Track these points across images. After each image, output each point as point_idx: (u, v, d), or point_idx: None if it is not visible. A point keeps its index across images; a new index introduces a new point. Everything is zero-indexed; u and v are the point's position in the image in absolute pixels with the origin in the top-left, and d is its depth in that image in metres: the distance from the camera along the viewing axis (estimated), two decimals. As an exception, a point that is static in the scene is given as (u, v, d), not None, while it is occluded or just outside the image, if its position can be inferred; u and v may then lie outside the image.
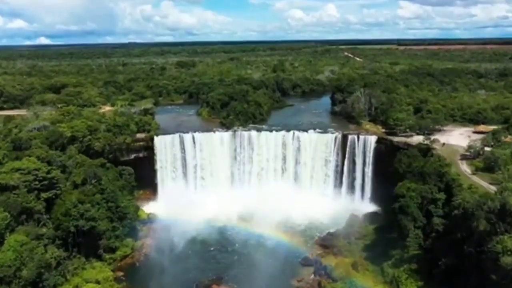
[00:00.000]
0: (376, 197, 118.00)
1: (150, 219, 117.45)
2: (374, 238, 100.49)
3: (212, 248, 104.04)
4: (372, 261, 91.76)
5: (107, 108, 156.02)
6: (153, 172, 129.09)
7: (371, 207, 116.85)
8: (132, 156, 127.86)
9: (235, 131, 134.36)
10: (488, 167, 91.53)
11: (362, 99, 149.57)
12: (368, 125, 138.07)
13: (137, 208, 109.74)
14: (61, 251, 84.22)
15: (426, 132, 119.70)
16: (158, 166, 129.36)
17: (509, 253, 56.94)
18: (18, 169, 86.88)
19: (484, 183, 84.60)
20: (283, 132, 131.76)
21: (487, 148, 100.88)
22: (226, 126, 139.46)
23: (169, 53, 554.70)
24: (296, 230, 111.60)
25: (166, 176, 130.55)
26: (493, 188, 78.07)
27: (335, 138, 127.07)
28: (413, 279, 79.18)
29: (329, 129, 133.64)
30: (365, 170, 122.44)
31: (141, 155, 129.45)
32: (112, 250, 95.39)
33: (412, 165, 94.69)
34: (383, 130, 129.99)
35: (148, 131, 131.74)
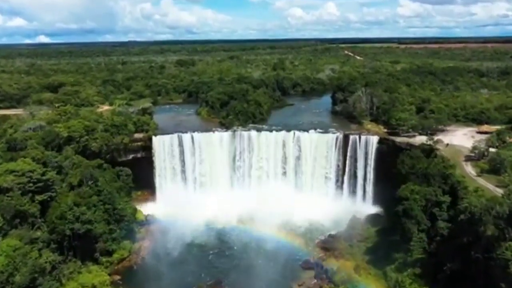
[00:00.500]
0: (378, 199, 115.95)
1: (148, 220, 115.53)
2: (376, 240, 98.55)
3: (211, 251, 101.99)
4: (374, 264, 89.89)
5: (105, 107, 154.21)
6: (151, 173, 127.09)
7: (373, 209, 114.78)
8: (130, 156, 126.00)
9: (234, 131, 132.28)
10: (493, 169, 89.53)
11: (363, 99, 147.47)
12: (370, 125, 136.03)
13: (135, 210, 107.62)
14: (56, 255, 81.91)
15: (429, 132, 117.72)
16: (156, 166, 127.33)
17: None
18: (12, 171, 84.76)
19: (490, 186, 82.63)
20: (283, 132, 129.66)
21: (491, 149, 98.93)
22: (225, 126, 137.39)
23: (169, 52, 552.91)
24: (297, 232, 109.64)
25: (164, 177, 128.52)
26: (499, 191, 76.24)
27: (336, 138, 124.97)
28: (417, 284, 77.16)
29: (330, 129, 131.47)
30: (367, 171, 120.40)
31: (139, 155, 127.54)
32: (109, 253, 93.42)
33: (415, 166, 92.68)
34: (385, 130, 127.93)
35: (147, 131, 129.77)
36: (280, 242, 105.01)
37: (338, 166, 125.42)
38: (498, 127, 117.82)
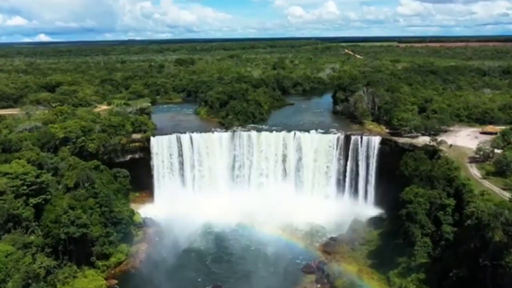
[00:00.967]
0: (380, 201, 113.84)
1: (146, 223, 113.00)
2: (379, 244, 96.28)
3: (210, 255, 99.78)
4: (377, 268, 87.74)
5: (103, 107, 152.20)
6: (149, 174, 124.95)
7: (375, 211, 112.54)
8: (128, 157, 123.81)
9: (234, 131, 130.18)
10: (499, 171, 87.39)
11: (365, 98, 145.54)
12: (372, 125, 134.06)
13: (132, 212, 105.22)
14: (50, 260, 79.87)
15: (431, 132, 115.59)
16: (154, 167, 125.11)
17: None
18: (5, 174, 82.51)
19: (496, 189, 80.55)
20: (283, 133, 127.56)
21: (497, 150, 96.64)
22: (225, 126, 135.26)
23: (168, 51, 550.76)
24: (298, 235, 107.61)
25: (163, 178, 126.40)
26: (506, 194, 74.29)
27: (338, 138, 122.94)
28: (421, 290, 75.09)
29: (331, 129, 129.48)
30: (368, 172, 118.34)
31: (137, 156, 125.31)
32: (106, 256, 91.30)
33: (419, 168, 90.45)
34: (387, 131, 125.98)
35: (145, 132, 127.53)
36: (281, 245, 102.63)
37: (339, 167, 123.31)
38: (502, 127, 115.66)
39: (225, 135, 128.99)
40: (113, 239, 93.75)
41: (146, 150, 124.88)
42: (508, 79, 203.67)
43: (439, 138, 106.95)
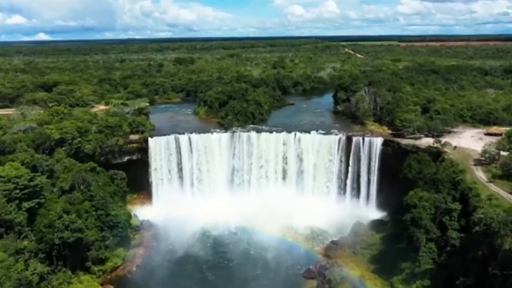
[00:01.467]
0: (382, 203, 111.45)
1: (143, 226, 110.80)
2: (382, 248, 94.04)
3: (209, 259, 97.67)
4: (380, 274, 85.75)
5: (101, 107, 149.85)
6: (147, 176, 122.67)
7: (377, 214, 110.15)
8: (125, 158, 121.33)
9: (233, 132, 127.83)
10: (506, 174, 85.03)
11: (366, 98, 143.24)
12: (374, 126, 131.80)
13: (129, 215, 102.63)
14: (44, 266, 77.56)
15: (435, 134, 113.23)
16: (152, 169, 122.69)
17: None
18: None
19: (502, 193, 78.26)
20: (284, 133, 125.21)
21: (502, 153, 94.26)
22: (224, 126, 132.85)
23: (168, 50, 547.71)
24: (298, 239, 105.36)
25: (161, 179, 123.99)
26: (514, 199, 71.81)
27: (339, 139, 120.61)
28: (426, 297, 72.87)
29: (332, 130, 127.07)
30: (370, 174, 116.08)
31: (134, 157, 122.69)
32: (102, 261, 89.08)
33: (423, 171, 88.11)
34: (390, 132, 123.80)
35: (142, 132, 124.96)
36: (281, 249, 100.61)
37: (340, 168, 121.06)
38: (507, 128, 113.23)
39: (225, 136, 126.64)
40: (109, 243, 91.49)
41: (144, 151, 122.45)
42: (511, 78, 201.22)
43: (443, 140, 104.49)
